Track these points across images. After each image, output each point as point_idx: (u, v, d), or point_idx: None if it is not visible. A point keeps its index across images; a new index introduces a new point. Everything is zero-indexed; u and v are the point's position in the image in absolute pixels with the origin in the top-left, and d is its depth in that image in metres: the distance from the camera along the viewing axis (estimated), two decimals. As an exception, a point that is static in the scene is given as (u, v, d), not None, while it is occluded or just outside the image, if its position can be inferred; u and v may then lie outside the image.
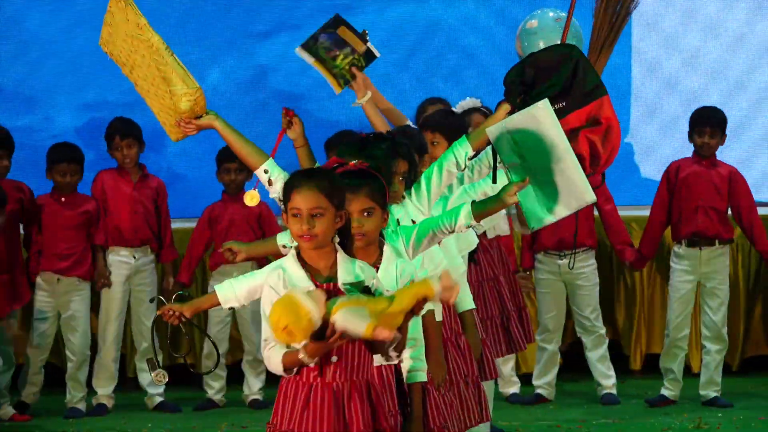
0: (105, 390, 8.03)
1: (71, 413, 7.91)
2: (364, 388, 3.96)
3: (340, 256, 3.97)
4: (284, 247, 4.87)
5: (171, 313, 4.24)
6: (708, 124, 7.75)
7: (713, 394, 7.79)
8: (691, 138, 7.84)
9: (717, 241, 7.76)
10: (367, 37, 6.05)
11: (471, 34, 9.03)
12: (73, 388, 7.98)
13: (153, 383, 7.94)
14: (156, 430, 7.52)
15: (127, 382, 8.48)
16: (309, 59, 5.85)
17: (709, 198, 7.76)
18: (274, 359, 3.88)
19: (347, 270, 3.96)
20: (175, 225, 8.30)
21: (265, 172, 4.72)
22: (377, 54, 5.95)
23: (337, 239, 3.99)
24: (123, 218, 8.05)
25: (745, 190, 7.82)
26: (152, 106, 4.84)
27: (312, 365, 3.89)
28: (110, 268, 8.04)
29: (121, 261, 8.04)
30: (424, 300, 3.75)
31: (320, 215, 3.91)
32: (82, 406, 7.96)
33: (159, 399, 8.05)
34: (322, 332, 3.75)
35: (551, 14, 6.42)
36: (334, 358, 3.91)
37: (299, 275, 3.94)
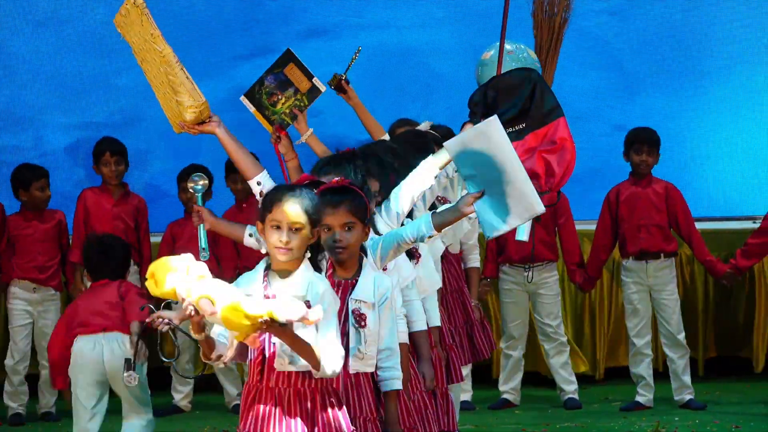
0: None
1: (46, 417, 8.11)
2: (310, 397, 4.02)
3: (301, 269, 4.05)
4: (250, 236, 5.03)
5: (160, 320, 4.37)
6: (645, 142, 8.00)
7: (688, 397, 8.01)
8: (627, 157, 8.07)
9: (662, 255, 8.02)
10: (345, 76, 6.25)
11: (440, 59, 9.23)
12: (48, 393, 8.15)
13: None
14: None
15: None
16: (250, 108, 5.96)
17: (650, 216, 8.02)
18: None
19: (297, 281, 4.04)
20: (158, 238, 8.44)
21: (258, 183, 4.85)
22: (322, 89, 6.03)
23: (308, 254, 4.06)
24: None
25: (681, 204, 8.08)
26: (158, 98, 4.94)
27: (198, 337, 3.94)
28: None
29: (103, 274, 8.34)
30: (267, 321, 3.76)
31: (298, 230, 4.00)
32: (54, 410, 8.14)
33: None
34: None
35: (507, 47, 6.70)
36: (276, 365, 3.99)
37: (256, 278, 4.07)
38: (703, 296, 8.91)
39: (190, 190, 5.28)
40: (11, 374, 8.16)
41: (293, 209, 4.01)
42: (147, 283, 3.91)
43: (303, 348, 3.93)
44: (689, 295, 8.79)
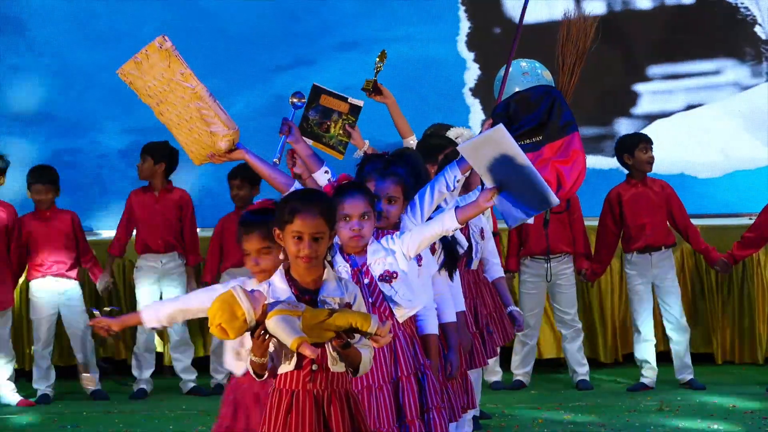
0: (144, 376, 8.61)
1: (97, 395, 8.48)
2: (344, 396, 3.93)
3: (328, 272, 3.95)
4: (326, 172, 5.21)
5: (101, 325, 4.32)
6: (648, 141, 8.36)
7: (688, 377, 8.34)
8: (629, 158, 8.33)
9: (663, 247, 8.38)
10: (376, 78, 6.43)
11: (459, 70, 9.61)
12: (92, 374, 8.51)
13: (186, 370, 8.59)
14: (189, 410, 8.01)
15: (164, 369, 9.05)
16: (309, 142, 5.93)
17: (651, 215, 8.35)
18: (249, 367, 3.93)
19: (331, 286, 3.95)
20: (207, 233, 8.76)
21: None
22: (361, 104, 6.19)
23: (329, 257, 3.97)
24: (147, 229, 8.62)
25: (676, 201, 8.42)
26: (178, 135, 5.00)
27: (265, 363, 3.82)
28: (141, 271, 8.63)
29: (149, 266, 8.64)
30: (356, 330, 3.75)
31: (321, 239, 3.89)
32: (100, 386, 8.51)
33: (191, 384, 8.64)
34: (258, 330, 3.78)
35: (523, 64, 7.17)
36: (315, 366, 3.88)
37: (283, 288, 3.93)
38: (700, 287, 9.22)
39: (292, 104, 5.60)
40: (35, 360, 8.49)
41: (312, 218, 3.88)
42: (213, 331, 3.79)
43: (354, 353, 3.89)
44: (691, 286, 9.15)
